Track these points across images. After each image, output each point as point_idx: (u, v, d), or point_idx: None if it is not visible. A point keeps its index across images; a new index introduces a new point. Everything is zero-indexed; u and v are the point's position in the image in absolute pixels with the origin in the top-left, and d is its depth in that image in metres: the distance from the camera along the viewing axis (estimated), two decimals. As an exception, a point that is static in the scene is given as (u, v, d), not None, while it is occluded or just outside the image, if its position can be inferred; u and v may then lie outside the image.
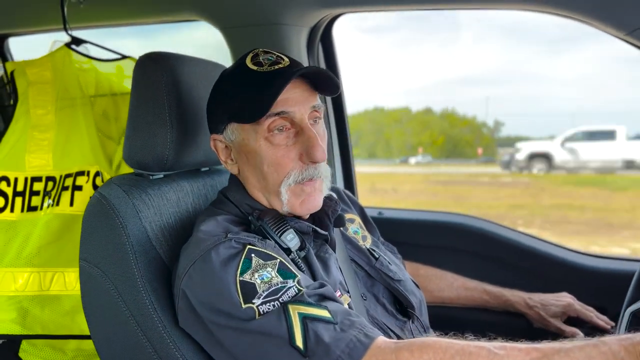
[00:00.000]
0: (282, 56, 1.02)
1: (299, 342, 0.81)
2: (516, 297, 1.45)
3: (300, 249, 1.00)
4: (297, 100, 0.98)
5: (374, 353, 0.80)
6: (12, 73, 1.57)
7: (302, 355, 0.80)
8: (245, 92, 0.98)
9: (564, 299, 1.42)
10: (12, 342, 1.43)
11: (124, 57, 1.72)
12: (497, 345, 0.79)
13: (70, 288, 1.42)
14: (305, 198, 1.00)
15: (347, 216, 1.27)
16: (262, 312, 0.83)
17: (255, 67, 0.99)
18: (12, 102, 1.58)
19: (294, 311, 0.83)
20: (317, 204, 1.03)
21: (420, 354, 0.78)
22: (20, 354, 1.44)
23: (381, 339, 0.83)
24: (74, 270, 1.41)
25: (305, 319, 0.83)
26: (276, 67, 0.98)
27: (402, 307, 1.17)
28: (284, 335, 0.82)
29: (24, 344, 1.44)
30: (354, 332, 0.82)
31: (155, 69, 1.07)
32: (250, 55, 1.02)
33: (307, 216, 1.07)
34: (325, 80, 1.00)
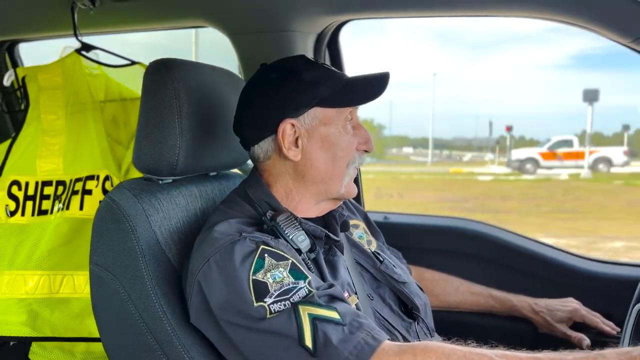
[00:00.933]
0: None
1: (309, 342, 0.82)
2: (522, 302, 1.46)
3: (310, 250, 1.03)
4: None
5: (380, 356, 0.81)
6: (23, 79, 1.59)
7: (311, 355, 0.82)
8: (337, 83, 1.09)
9: (570, 304, 1.42)
10: (22, 344, 1.45)
11: (133, 62, 1.74)
12: (498, 354, 0.80)
13: (80, 291, 1.43)
14: (352, 183, 1.15)
15: (352, 222, 1.29)
16: (273, 311, 0.85)
17: (326, 66, 1.13)
18: (23, 107, 1.60)
19: (304, 312, 0.85)
20: (356, 190, 1.18)
21: (423, 357, 0.80)
22: (30, 356, 1.45)
23: (387, 341, 0.84)
24: (83, 274, 1.42)
25: (315, 319, 0.84)
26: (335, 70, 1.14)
27: (407, 309, 1.19)
28: (294, 335, 0.83)
29: (34, 346, 1.46)
30: (362, 335, 0.84)
31: (166, 75, 1.09)
32: (305, 57, 1.15)
33: (320, 216, 1.14)
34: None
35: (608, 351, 0.79)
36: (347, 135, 1.09)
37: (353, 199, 1.28)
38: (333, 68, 1.13)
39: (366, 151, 1.13)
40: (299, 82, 1.07)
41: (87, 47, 1.66)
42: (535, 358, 0.79)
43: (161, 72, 1.10)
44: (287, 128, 1.07)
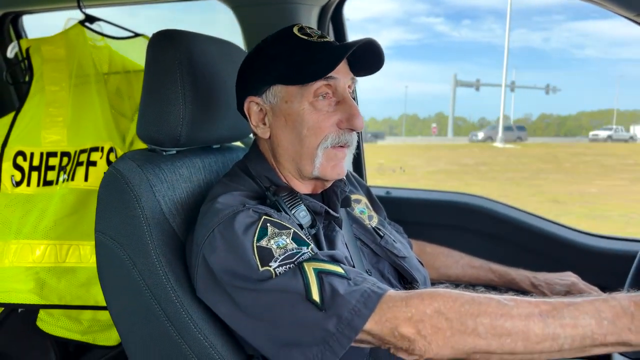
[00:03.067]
0: (324, 34, 1.08)
1: (315, 295, 0.83)
2: (521, 275, 1.47)
3: (311, 226, 1.04)
4: (341, 71, 1.03)
5: (386, 301, 0.82)
6: (27, 50, 1.60)
7: (319, 309, 0.82)
8: (299, 56, 1.02)
9: (569, 278, 1.43)
10: (30, 312, 1.48)
11: (137, 35, 1.74)
12: (507, 298, 0.80)
13: (85, 260, 1.46)
14: (336, 163, 1.06)
15: (354, 197, 1.29)
16: (278, 274, 0.86)
17: (305, 37, 1.04)
18: (27, 78, 1.60)
19: (309, 267, 0.86)
20: (344, 171, 1.09)
21: (430, 301, 0.80)
22: (38, 323, 1.49)
23: (392, 290, 0.85)
24: (89, 243, 1.45)
25: (320, 273, 0.85)
26: (325, 39, 1.05)
27: (406, 283, 1.20)
28: (301, 290, 0.84)
29: (42, 313, 1.49)
30: (368, 285, 0.85)
31: (169, 47, 1.09)
32: (296, 27, 1.07)
33: (319, 192, 1.13)
34: (366, 61, 1.06)
35: (619, 294, 0.78)
36: (317, 113, 1.02)
37: (356, 172, 1.28)
38: (319, 39, 1.04)
39: (352, 129, 1.05)
40: (262, 57, 1.07)
41: (90, 19, 1.66)
42: (544, 302, 0.79)
43: (164, 43, 1.10)
44: (251, 106, 1.08)
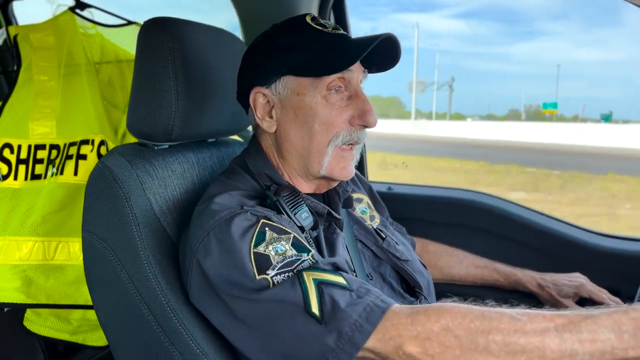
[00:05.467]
0: (337, 25, 1.03)
1: (315, 308, 0.78)
2: (527, 276, 1.42)
3: (313, 228, 0.98)
4: (355, 65, 0.98)
5: (390, 317, 0.77)
6: (15, 37, 1.53)
7: (318, 322, 0.77)
8: (315, 48, 0.97)
9: (577, 279, 1.39)
10: (17, 311, 1.43)
11: (129, 22, 1.67)
12: (519, 312, 0.75)
13: (75, 258, 1.41)
14: (345, 165, 1.02)
15: (355, 195, 1.24)
16: (276, 283, 0.81)
17: (319, 27, 0.99)
18: (15, 67, 1.54)
19: (309, 277, 0.81)
20: (353, 172, 1.05)
21: (437, 318, 0.75)
22: (25, 323, 1.44)
23: (397, 304, 0.80)
24: (78, 240, 1.39)
25: (320, 284, 0.80)
26: (339, 31, 1.00)
27: (409, 287, 1.15)
28: (299, 302, 0.79)
29: (29, 312, 1.44)
30: (371, 298, 0.79)
31: (161, 35, 1.03)
32: (308, 17, 1.01)
33: (322, 192, 1.08)
34: (381, 56, 1.01)
35: (639, 305, 0.74)
36: (330, 107, 0.97)
37: (357, 170, 1.23)
38: (332, 30, 1.00)
39: (364, 126, 1.00)
40: (273, 47, 1.00)
41: (81, 5, 1.59)
42: (560, 315, 0.74)
43: (156, 31, 1.04)
44: (258, 97, 1.02)
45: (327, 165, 1.00)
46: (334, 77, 0.97)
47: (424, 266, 1.23)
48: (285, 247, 0.85)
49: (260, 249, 0.84)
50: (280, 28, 1.03)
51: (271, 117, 1.02)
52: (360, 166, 1.86)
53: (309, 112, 0.98)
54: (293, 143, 1.01)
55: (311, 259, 0.85)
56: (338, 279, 0.82)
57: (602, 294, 1.36)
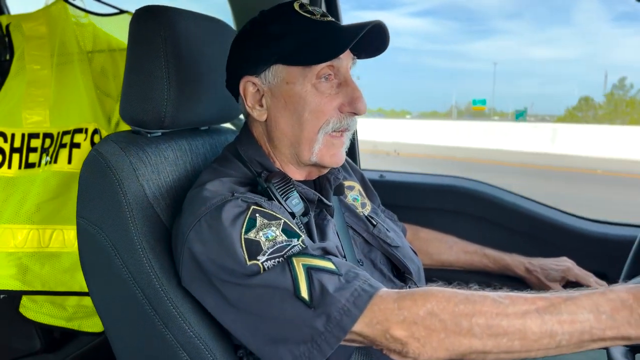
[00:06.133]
0: (325, 12, 1.03)
1: (304, 293, 0.80)
2: (516, 261, 1.45)
3: (304, 214, 1.00)
4: (344, 52, 0.98)
5: (377, 302, 0.79)
6: (7, 27, 1.53)
7: (307, 307, 0.79)
8: (305, 36, 0.98)
9: (564, 263, 1.41)
10: (12, 298, 1.45)
11: (122, 11, 1.68)
12: (502, 295, 0.77)
13: (70, 245, 1.42)
14: (335, 152, 1.03)
15: (347, 183, 1.25)
16: (266, 268, 0.82)
17: (308, 15, 0.99)
18: (8, 57, 1.54)
19: (298, 263, 0.82)
20: (343, 159, 1.06)
21: (423, 302, 0.77)
22: (21, 310, 1.45)
23: (384, 289, 0.82)
24: (73, 228, 1.40)
25: (309, 269, 0.82)
26: (327, 19, 1.00)
27: (399, 273, 1.16)
28: (289, 287, 0.80)
29: (24, 299, 1.45)
30: (359, 282, 0.81)
31: (153, 23, 1.03)
32: (296, 4, 1.01)
33: (313, 179, 1.09)
34: (370, 43, 1.00)
35: (617, 286, 0.76)
36: (319, 95, 0.98)
37: (349, 157, 1.24)
38: (320, 18, 0.99)
39: (354, 113, 1.01)
40: (261, 35, 1.01)
41: (73, -6, 1.59)
42: (541, 297, 0.76)
43: (148, 19, 1.04)
44: (248, 86, 1.02)
45: (318, 152, 1.01)
46: (323, 65, 0.97)
47: (415, 253, 1.25)
48: (275, 232, 0.87)
49: (251, 235, 0.85)
50: (269, 16, 1.03)
51: (261, 105, 1.03)
52: (352, 154, 1.88)
53: (299, 100, 0.98)
54: (284, 131, 1.02)
55: (301, 244, 0.87)
56: (327, 264, 0.83)
57: (588, 277, 1.39)
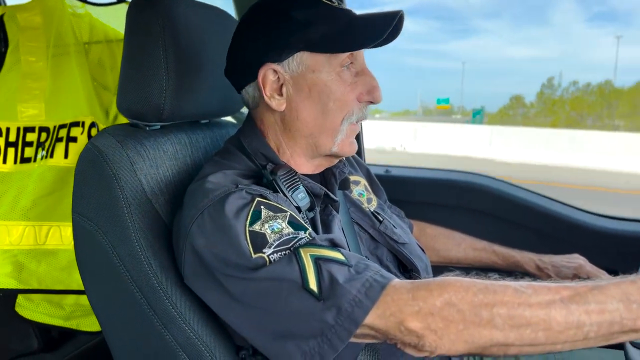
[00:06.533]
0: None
1: (313, 284, 0.75)
2: (526, 258, 1.41)
3: (310, 209, 0.96)
4: None
5: (390, 292, 0.75)
6: (1, 17, 1.49)
7: (316, 299, 0.75)
8: (332, 23, 0.95)
9: (576, 260, 1.37)
10: (8, 297, 1.41)
11: (120, 1, 1.63)
12: (523, 285, 0.73)
13: (67, 242, 1.38)
14: (353, 140, 1.03)
15: (353, 178, 1.22)
16: (272, 261, 0.78)
17: (329, 3, 0.97)
18: (3, 49, 1.50)
19: (306, 253, 0.78)
20: (357, 146, 1.07)
21: (440, 292, 0.72)
22: (17, 309, 1.42)
23: (396, 279, 0.78)
24: (70, 225, 1.35)
25: (318, 260, 0.78)
26: (344, 7, 0.99)
27: (407, 270, 1.13)
28: (297, 278, 0.76)
29: (20, 298, 1.42)
30: (370, 273, 0.77)
31: (151, 12, 0.99)
32: None
33: (319, 172, 1.06)
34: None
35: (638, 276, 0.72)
36: (343, 83, 0.96)
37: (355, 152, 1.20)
38: (339, 6, 0.97)
39: (371, 102, 1.00)
40: (286, 21, 0.96)
41: (69, -16, 1.55)
42: (566, 287, 0.72)
43: (146, 7, 1.00)
44: (268, 74, 0.97)
45: (340, 143, 0.99)
46: (347, 53, 0.95)
47: (422, 250, 1.22)
48: (281, 225, 0.83)
49: (256, 227, 0.82)
50: (288, 1, 0.98)
51: (280, 94, 0.98)
52: (358, 149, 1.84)
53: (324, 89, 0.96)
54: (305, 121, 0.98)
55: (308, 236, 0.83)
56: (336, 255, 0.80)
57: (601, 274, 1.35)
